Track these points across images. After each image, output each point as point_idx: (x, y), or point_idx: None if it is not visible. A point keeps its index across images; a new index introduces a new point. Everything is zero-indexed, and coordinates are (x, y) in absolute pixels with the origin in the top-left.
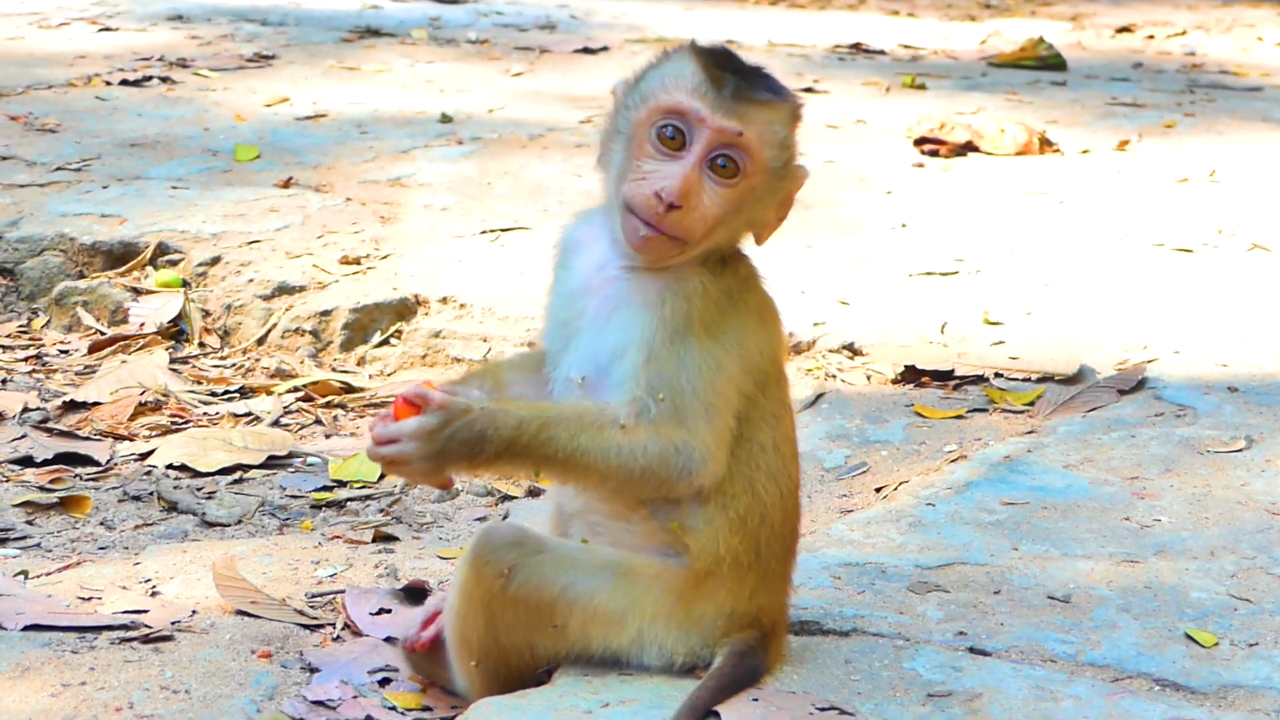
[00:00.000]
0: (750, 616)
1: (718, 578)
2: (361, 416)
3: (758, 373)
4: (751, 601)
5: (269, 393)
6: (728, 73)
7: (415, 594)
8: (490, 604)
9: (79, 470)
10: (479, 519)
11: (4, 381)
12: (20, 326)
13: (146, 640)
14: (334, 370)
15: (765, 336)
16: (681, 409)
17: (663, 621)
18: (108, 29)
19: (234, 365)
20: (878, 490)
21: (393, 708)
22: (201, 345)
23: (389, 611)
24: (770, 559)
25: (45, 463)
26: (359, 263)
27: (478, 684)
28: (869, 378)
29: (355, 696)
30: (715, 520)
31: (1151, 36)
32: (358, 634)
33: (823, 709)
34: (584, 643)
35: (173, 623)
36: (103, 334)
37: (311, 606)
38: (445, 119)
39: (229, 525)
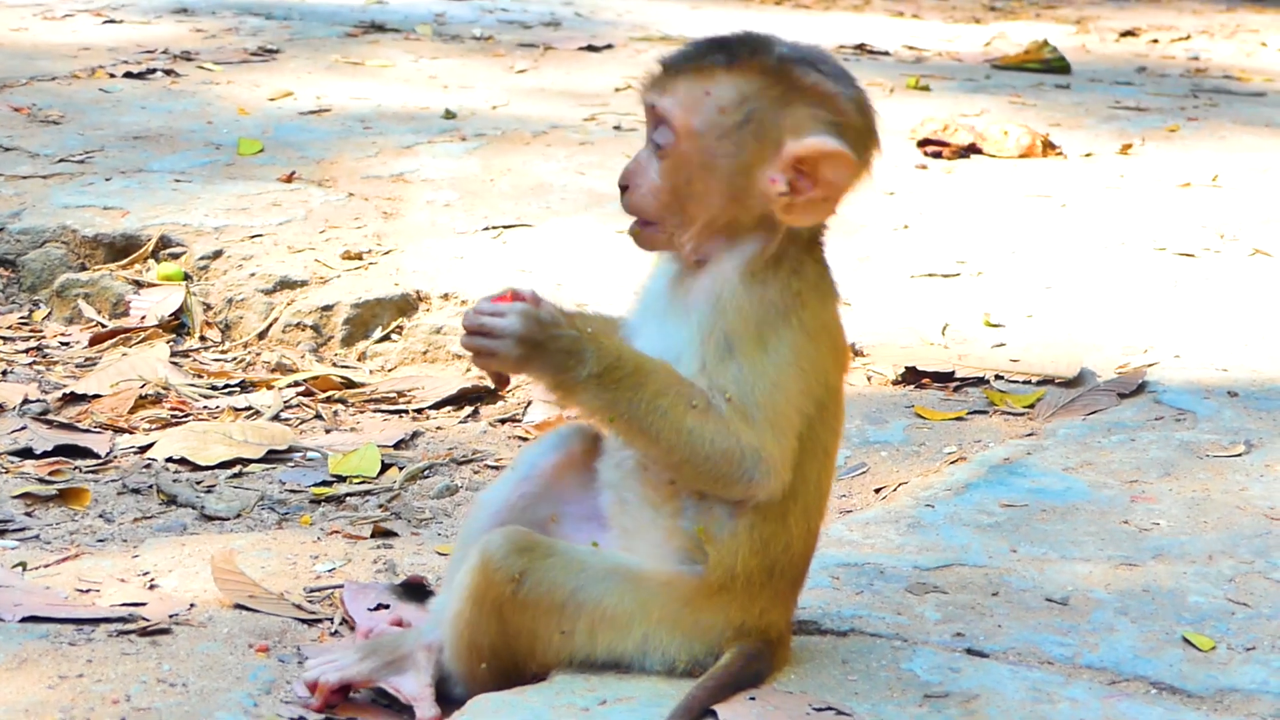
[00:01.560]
0: (759, 631)
1: (730, 592)
2: (362, 412)
3: (817, 394)
4: (762, 619)
5: (269, 387)
6: (691, 50)
7: (414, 589)
8: (502, 608)
9: (78, 462)
10: None
11: (4, 373)
12: (21, 318)
13: (144, 633)
14: (334, 365)
15: (818, 356)
16: (748, 416)
17: (668, 627)
18: (112, 21)
19: (235, 359)
20: (877, 491)
21: (389, 705)
22: (202, 339)
23: (387, 607)
24: (782, 582)
25: (45, 454)
26: (361, 258)
27: (488, 687)
28: (869, 378)
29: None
30: (740, 536)
31: (1155, 41)
32: (355, 629)
33: (820, 709)
34: (590, 647)
35: (170, 616)
36: (104, 326)
37: (310, 601)
38: (449, 115)
39: (228, 519)
